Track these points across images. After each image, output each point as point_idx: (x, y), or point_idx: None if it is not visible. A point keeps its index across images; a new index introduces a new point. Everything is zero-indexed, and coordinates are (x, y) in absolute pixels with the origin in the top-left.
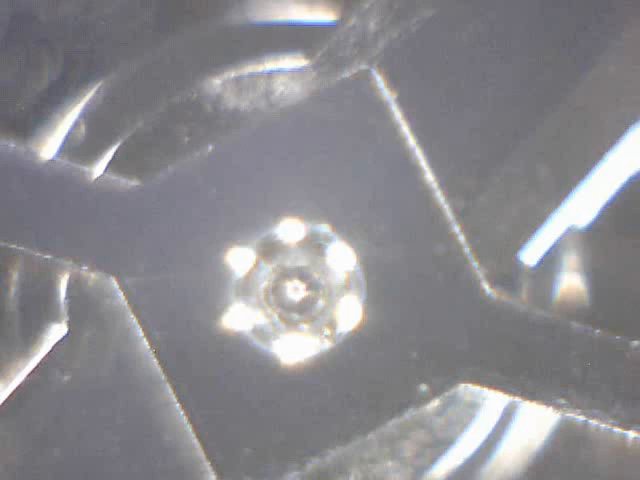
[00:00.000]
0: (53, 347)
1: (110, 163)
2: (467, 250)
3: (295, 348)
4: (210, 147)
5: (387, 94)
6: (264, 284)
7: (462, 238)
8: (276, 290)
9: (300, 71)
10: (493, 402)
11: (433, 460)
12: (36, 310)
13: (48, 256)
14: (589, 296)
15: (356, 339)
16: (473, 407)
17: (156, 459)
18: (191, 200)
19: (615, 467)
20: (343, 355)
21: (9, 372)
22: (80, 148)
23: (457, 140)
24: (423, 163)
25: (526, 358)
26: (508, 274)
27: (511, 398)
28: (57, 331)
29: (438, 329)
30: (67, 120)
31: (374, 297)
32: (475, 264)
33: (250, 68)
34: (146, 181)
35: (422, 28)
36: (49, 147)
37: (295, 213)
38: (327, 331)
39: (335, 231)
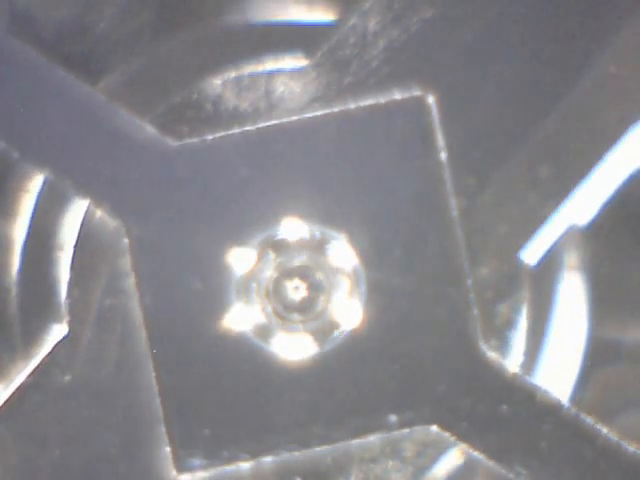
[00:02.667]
0: (54, 347)
1: None
2: (472, 296)
3: (289, 346)
4: (251, 129)
5: (436, 123)
6: (265, 282)
7: (470, 281)
8: (277, 288)
9: (300, 71)
10: None
11: (433, 460)
12: (36, 310)
13: (69, 187)
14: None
15: (342, 350)
16: None
17: (155, 460)
18: (216, 175)
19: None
20: (327, 363)
21: (10, 372)
22: None
23: (457, 140)
24: (452, 198)
25: (499, 419)
26: (508, 274)
27: (474, 453)
28: (58, 331)
29: (424, 366)
30: None
31: (371, 311)
32: (476, 312)
33: (250, 68)
34: (183, 144)
35: (422, 28)
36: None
37: (310, 216)
38: (320, 334)
39: (349, 243)
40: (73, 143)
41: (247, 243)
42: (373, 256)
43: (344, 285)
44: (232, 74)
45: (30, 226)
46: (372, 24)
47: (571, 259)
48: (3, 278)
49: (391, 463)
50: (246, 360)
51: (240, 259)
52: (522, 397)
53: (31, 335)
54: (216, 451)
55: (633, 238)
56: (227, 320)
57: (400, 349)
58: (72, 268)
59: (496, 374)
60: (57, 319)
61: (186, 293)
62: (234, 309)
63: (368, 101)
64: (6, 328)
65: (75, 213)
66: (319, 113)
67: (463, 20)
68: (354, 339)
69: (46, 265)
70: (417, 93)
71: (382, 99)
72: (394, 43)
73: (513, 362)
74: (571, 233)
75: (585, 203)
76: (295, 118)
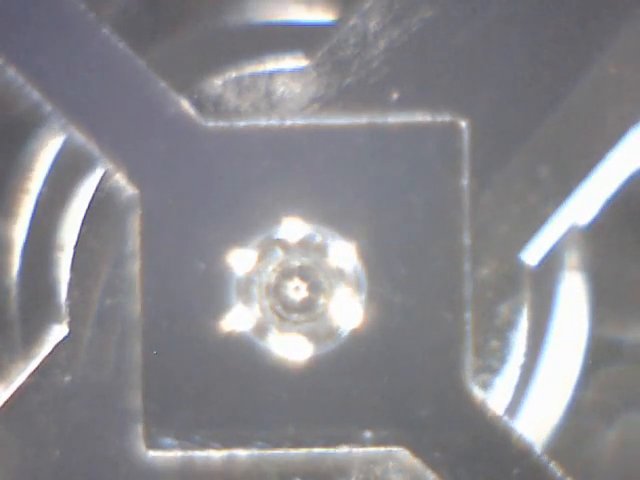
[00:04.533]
0: (54, 348)
1: None
2: (468, 328)
3: (284, 346)
4: (276, 123)
5: (466, 150)
6: (265, 282)
7: (468, 315)
8: (277, 288)
9: (300, 71)
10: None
11: None
12: (36, 311)
13: (93, 146)
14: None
15: (333, 356)
16: None
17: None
18: (235, 165)
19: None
20: (317, 367)
21: (10, 372)
22: (82, 148)
23: None
24: (467, 227)
25: (472, 456)
26: (509, 274)
27: None
28: (58, 332)
29: (409, 388)
30: None
31: (368, 320)
32: (469, 344)
33: (251, 68)
34: (214, 126)
35: (422, 28)
36: (51, 148)
37: (314, 218)
38: (316, 336)
39: (360, 257)
40: (106, 103)
41: (248, 243)
42: (377, 269)
43: (344, 288)
44: (232, 74)
45: (30, 226)
46: (372, 24)
47: (572, 259)
48: (3, 278)
49: (391, 464)
50: (237, 355)
51: (241, 257)
52: (498, 438)
53: (31, 335)
54: (188, 434)
55: (634, 238)
56: (226, 319)
57: (389, 366)
58: (72, 269)
59: (477, 411)
60: (57, 320)
61: (186, 290)
62: (234, 308)
63: (398, 117)
64: (6, 328)
65: (75, 213)
66: (347, 121)
67: (463, 20)
68: (348, 347)
69: (46, 266)
70: (449, 117)
71: (413, 118)
72: (394, 43)
73: (499, 402)
74: (572, 233)
75: (586, 203)
76: (324, 122)
